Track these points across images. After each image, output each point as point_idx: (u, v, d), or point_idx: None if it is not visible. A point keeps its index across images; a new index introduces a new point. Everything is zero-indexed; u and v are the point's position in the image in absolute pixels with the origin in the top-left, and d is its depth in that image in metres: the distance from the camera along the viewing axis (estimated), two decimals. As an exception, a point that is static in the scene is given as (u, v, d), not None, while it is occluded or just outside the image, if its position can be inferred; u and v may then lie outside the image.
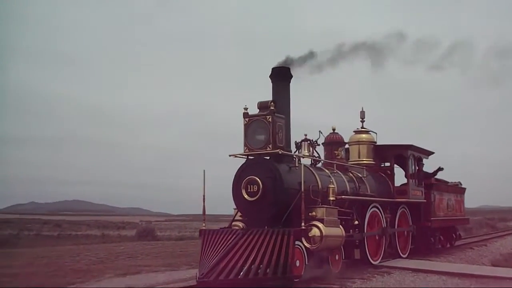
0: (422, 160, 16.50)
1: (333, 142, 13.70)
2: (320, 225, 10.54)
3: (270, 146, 10.67)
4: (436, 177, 17.89)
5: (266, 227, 10.46)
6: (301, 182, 10.85)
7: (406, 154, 15.34)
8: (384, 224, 14.09)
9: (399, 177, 15.88)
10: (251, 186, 10.66)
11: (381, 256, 13.92)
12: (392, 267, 13.03)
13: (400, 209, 15.32)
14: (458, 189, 19.89)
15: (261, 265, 9.55)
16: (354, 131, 15.58)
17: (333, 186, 11.57)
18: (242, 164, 11.07)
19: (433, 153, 17.03)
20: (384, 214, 14.29)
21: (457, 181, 20.21)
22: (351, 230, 12.28)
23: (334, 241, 10.91)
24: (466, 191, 20.71)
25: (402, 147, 15.38)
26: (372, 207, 13.63)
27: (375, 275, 11.74)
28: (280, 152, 10.56)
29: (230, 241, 10.12)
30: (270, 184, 10.57)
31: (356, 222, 12.63)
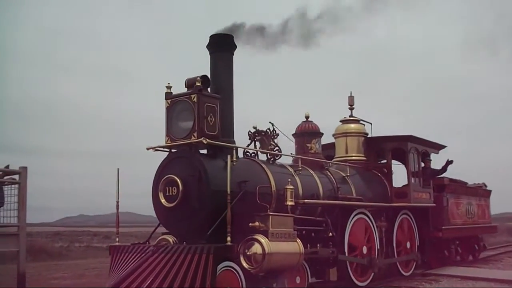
0: (429, 156, 13.46)
1: (305, 133, 10.87)
2: (262, 239, 7.80)
3: (195, 134, 8.01)
4: (452, 178, 14.78)
5: (184, 242, 7.86)
6: (241, 182, 8.22)
7: (406, 148, 12.35)
8: (375, 236, 11.17)
9: (403, 176, 12.91)
10: (170, 188, 8.02)
11: (372, 276, 11.00)
12: (439, 274, 12.78)
13: (401, 215, 12.35)
14: (481, 192, 16.65)
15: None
16: (340, 121, 12.72)
17: (291, 187, 8.80)
18: (163, 160, 8.44)
19: (444, 146, 13.95)
20: (376, 222, 11.39)
21: (480, 182, 17.00)
22: (318, 245, 9.42)
23: (285, 259, 8.14)
24: (493, 194, 17.42)
25: (400, 139, 12.41)
26: (357, 214, 10.76)
27: (423, 283, 11.61)
28: (205, 142, 7.87)
29: (135, 261, 7.53)
30: (193, 186, 7.91)
31: (331, 234, 9.76)
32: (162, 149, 8.49)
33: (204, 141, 7.84)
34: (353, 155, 12.24)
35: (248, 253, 7.80)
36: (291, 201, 8.78)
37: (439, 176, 13.71)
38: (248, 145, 9.71)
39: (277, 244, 7.93)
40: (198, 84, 8.11)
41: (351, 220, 10.54)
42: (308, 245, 9.24)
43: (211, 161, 8.11)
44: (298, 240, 8.43)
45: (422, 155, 12.95)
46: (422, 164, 13.21)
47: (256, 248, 7.77)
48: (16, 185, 9.12)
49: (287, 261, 8.21)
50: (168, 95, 8.43)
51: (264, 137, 9.67)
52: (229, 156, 7.72)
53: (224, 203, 7.64)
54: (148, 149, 8.53)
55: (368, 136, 12.64)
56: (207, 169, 7.86)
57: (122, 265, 7.74)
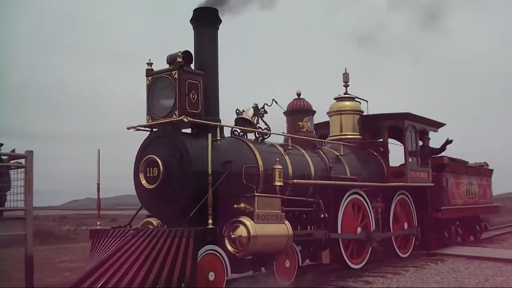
0: (427, 134, 13.03)
1: (297, 111, 10.46)
2: (247, 221, 7.47)
3: (177, 112, 7.63)
4: (452, 157, 14.36)
5: (165, 226, 7.54)
6: (226, 162, 7.86)
7: (403, 125, 11.92)
8: (371, 217, 10.83)
9: (400, 156, 12.48)
10: (151, 169, 7.68)
11: (367, 258, 10.68)
12: (445, 254, 12.68)
13: (398, 196, 11.98)
14: (482, 171, 16.22)
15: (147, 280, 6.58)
16: (335, 98, 12.30)
17: (279, 167, 8.43)
18: (145, 140, 8.08)
19: (443, 124, 13.49)
20: (372, 203, 11.03)
21: (482, 161, 16.56)
22: (312, 227, 9.09)
23: (273, 242, 7.81)
24: (498, 174, 17.00)
25: (397, 117, 11.99)
26: (352, 194, 10.41)
27: (429, 263, 11.46)
28: (186, 120, 7.49)
29: (115, 245, 7.22)
30: (175, 166, 7.56)
31: (323, 216, 9.41)
32: (143, 128, 8.13)
33: (185, 119, 7.47)
34: (348, 133, 11.85)
35: (233, 236, 7.49)
36: (280, 181, 8.42)
37: (438, 155, 13.29)
38: (256, 124, 9.28)
39: (263, 226, 7.60)
40: (179, 60, 7.72)
41: (345, 201, 10.19)
42: (299, 227, 8.94)
43: (193, 140, 7.74)
44: (287, 222, 8.09)
45: (420, 133, 12.52)
46: (421, 143, 12.79)
47: (241, 231, 7.45)
48: (23, 169, 9.06)
49: (275, 244, 7.88)
50: (149, 72, 8.06)
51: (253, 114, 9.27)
52: (209, 135, 7.34)
53: (207, 184, 7.32)
54: (128, 128, 8.17)
55: (364, 114, 12.22)
56: (188, 148, 7.50)
57: (102, 249, 7.44)
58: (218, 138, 7.89)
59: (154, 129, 8.06)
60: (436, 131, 13.35)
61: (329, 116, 12.19)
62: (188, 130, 8.21)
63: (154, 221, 8.31)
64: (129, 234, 7.23)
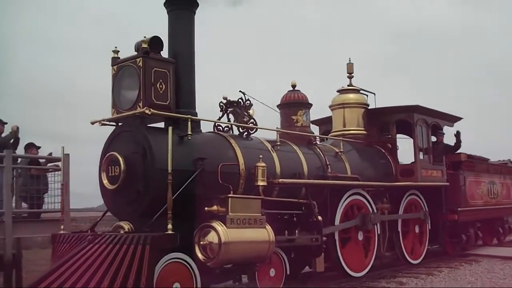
0: (441, 129, 11.93)
1: (291, 104, 9.56)
2: (218, 226, 6.63)
3: (141, 104, 6.84)
4: (471, 154, 13.22)
5: (127, 230, 6.77)
6: (197, 159, 7.05)
7: (412, 119, 10.88)
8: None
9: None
10: (113, 167, 6.91)
11: (371, 264, 9.72)
12: (480, 255, 12.32)
13: (408, 196, 10.96)
14: (506, 170, 14.97)
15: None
16: (337, 91, 11.34)
17: (262, 165, 7.58)
18: (110, 135, 7.32)
19: (459, 118, 12.37)
20: (376, 204, 10.06)
21: (506, 159, 15.31)
22: (303, 232, 8.20)
23: (250, 249, 6.95)
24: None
25: (405, 110, 10.95)
26: (352, 195, 9.47)
27: (463, 264, 11.14)
28: (148, 112, 6.69)
29: (70, 252, 6.49)
30: (137, 164, 6.76)
31: (319, 218, 8.47)
32: (108, 123, 7.37)
33: (148, 112, 6.66)
34: (352, 128, 10.87)
35: (202, 242, 6.66)
36: (263, 180, 7.60)
37: (455, 152, 12.17)
38: (220, 118, 8.50)
39: (238, 231, 6.76)
40: (144, 46, 6.93)
41: (344, 202, 9.26)
42: (287, 231, 8.09)
43: (160, 135, 6.92)
44: (268, 226, 7.22)
45: (432, 128, 11.45)
46: (434, 139, 11.73)
47: (212, 237, 6.62)
48: (59, 172, 9.13)
49: (253, 251, 7.02)
50: (114, 61, 7.30)
51: (237, 109, 8.43)
52: (170, 128, 6.53)
53: (176, 184, 6.54)
54: (93, 123, 7.41)
55: (370, 107, 11.23)
56: (152, 144, 6.68)
57: (60, 256, 6.73)
58: (189, 132, 7.06)
59: (120, 124, 7.29)
60: (452, 126, 12.23)
61: (332, 110, 11.23)
62: (161, 124, 7.45)
63: (126, 225, 7.53)
64: (86, 240, 6.48)
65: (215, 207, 6.83)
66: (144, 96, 6.81)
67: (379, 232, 9.89)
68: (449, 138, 12.04)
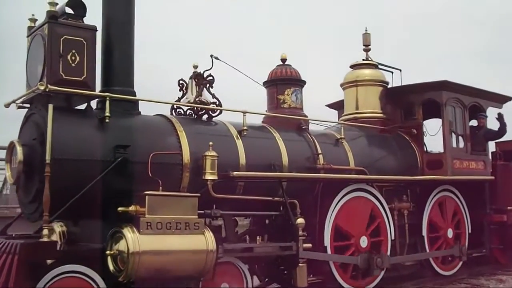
0: (483, 111, 9.70)
1: (278, 80, 7.90)
2: (128, 232, 5.25)
3: (45, 80, 5.58)
4: None
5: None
6: (118, 147, 5.72)
7: (440, 99, 8.82)
8: (388, 222, 8.04)
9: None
10: (14, 157, 5.72)
11: (380, 277, 7.91)
12: None
13: (439, 193, 8.96)
14: None
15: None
16: (351, 66, 9.48)
17: (212, 154, 6.11)
18: (23, 118, 6.14)
19: (510, 98, 10.04)
20: (391, 203, 8.24)
21: None
22: (258, 238, 6.63)
23: (179, 261, 5.51)
24: None
25: (431, 87, 8.90)
26: (352, 191, 7.71)
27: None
28: (41, 88, 5.40)
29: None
30: (37, 153, 5.52)
31: (300, 221, 6.84)
32: (23, 104, 6.18)
33: (41, 87, 5.38)
34: (366, 111, 9.00)
35: (112, 252, 5.32)
36: (212, 173, 6.12)
37: (498, 138, 9.90)
38: (180, 99, 7.08)
39: (156, 238, 5.35)
40: (52, 9, 5.66)
41: (340, 200, 7.53)
42: (258, 237, 6.61)
43: (66, 118, 5.64)
44: (208, 233, 5.73)
45: (471, 109, 9.29)
46: (475, 123, 9.59)
47: (122, 245, 5.26)
48: None
49: (183, 263, 5.56)
50: (29, 31, 6.11)
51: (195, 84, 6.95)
52: (50, 106, 5.22)
53: (88, 177, 5.30)
54: (6, 105, 6.24)
55: (389, 86, 9.30)
56: (53, 129, 5.36)
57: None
58: (107, 114, 5.71)
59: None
60: (501, 107, 9.93)
61: (343, 89, 9.40)
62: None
63: (58, 228, 6.31)
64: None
65: (132, 207, 5.46)
66: (48, 70, 5.55)
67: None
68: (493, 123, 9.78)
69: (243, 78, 7.68)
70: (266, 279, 7.33)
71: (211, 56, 6.96)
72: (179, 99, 7.07)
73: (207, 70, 6.86)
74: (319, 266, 7.29)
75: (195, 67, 6.93)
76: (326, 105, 10.34)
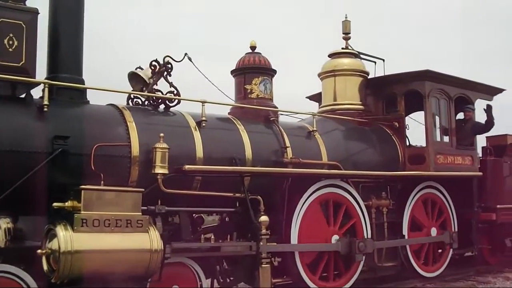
0: (471, 103, 9.18)
1: (246, 69, 7.45)
2: (61, 230, 4.86)
3: (-24, 64, 5.20)
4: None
5: None
6: (56, 138, 5.34)
7: (423, 90, 8.33)
8: (363, 220, 7.58)
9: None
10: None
11: (354, 278, 7.46)
12: None
13: (421, 190, 8.49)
14: None
15: None
16: (329, 55, 9.01)
17: (162, 147, 5.70)
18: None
19: (502, 90, 9.51)
20: (368, 200, 7.78)
21: None
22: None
23: (114, 261, 5.09)
24: None
25: (413, 77, 8.42)
26: (323, 188, 7.26)
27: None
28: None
29: None
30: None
31: (263, 219, 6.42)
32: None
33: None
34: (344, 102, 8.53)
35: (44, 251, 4.93)
36: (163, 167, 5.71)
37: (484, 132, 9.36)
38: (146, 88, 6.62)
39: (92, 236, 4.95)
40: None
41: (308, 197, 7.08)
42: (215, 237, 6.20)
43: (3, 107, 5.26)
44: (153, 231, 5.32)
45: (457, 101, 8.78)
46: (461, 116, 9.10)
47: (55, 244, 4.86)
48: None
49: (123, 263, 5.14)
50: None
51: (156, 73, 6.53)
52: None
53: (24, 170, 4.96)
54: None
55: (369, 77, 8.82)
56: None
57: None
58: (45, 102, 5.32)
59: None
60: (491, 100, 9.41)
61: (321, 79, 8.93)
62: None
63: (4, 224, 5.96)
64: None
65: (68, 203, 5.06)
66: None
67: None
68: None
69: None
70: (231, 279, 6.87)
71: (185, 54, 6.58)
72: (141, 89, 6.65)
73: (169, 62, 6.43)
74: (287, 267, 6.86)
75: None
76: (306, 97, 9.89)
